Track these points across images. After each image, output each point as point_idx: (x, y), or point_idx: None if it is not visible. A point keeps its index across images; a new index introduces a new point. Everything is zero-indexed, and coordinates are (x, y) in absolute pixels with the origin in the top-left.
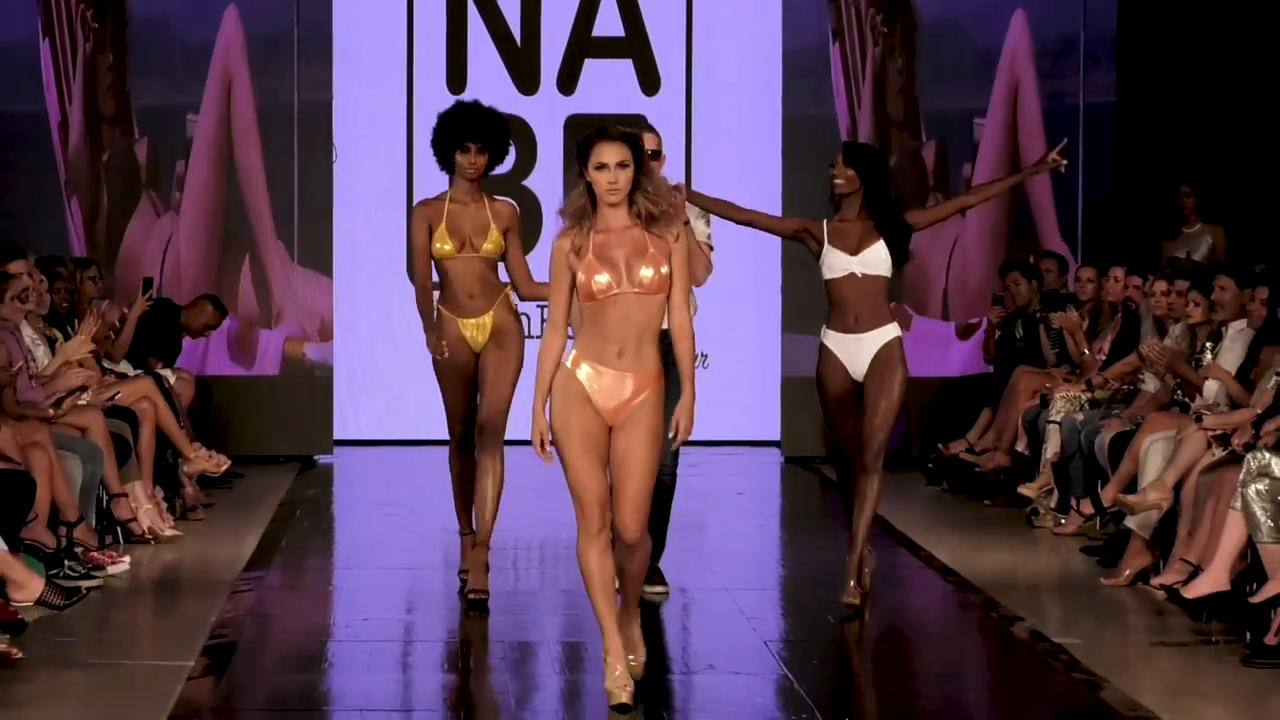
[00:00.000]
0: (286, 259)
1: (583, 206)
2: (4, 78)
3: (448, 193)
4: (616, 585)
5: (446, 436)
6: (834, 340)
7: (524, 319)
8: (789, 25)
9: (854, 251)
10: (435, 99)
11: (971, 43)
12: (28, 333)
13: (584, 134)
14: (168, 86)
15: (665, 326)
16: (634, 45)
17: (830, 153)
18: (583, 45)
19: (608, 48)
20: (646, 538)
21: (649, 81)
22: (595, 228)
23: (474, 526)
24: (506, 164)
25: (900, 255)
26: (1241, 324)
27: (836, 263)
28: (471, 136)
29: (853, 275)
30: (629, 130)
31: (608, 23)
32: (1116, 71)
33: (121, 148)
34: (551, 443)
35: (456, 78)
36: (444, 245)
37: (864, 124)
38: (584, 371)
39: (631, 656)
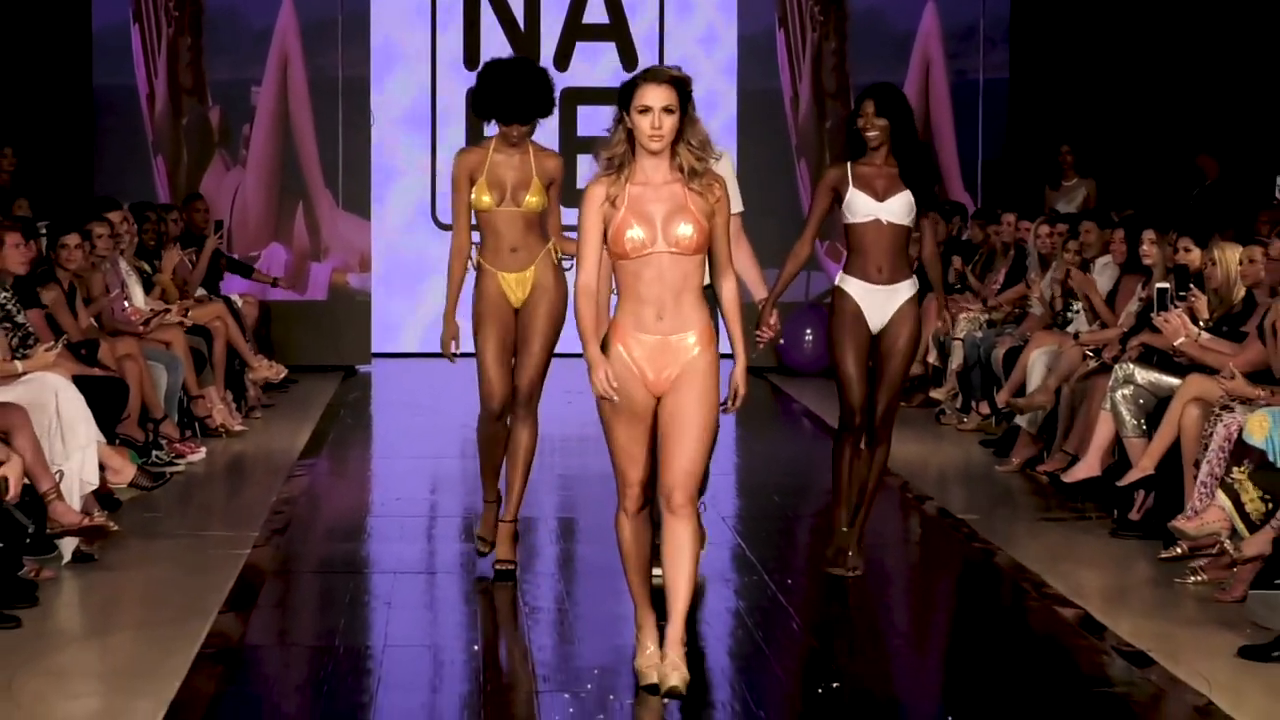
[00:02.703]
0: (333, 204)
1: (622, 154)
2: (101, 57)
3: (492, 140)
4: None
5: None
6: (855, 288)
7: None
8: (743, 14)
9: (880, 197)
10: (453, 74)
11: (891, 28)
12: (123, 265)
13: (577, 102)
14: (236, 63)
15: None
16: (616, 30)
17: (776, 122)
18: (574, 30)
19: (595, 32)
20: (694, 519)
21: (628, 60)
22: (633, 179)
23: (497, 495)
24: None
25: (928, 200)
26: (1107, 259)
27: (861, 206)
28: (509, 120)
29: (877, 221)
30: (679, 74)
31: (595, 12)
32: (1010, 52)
33: (198, 114)
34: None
35: (471, 57)
36: (483, 197)
37: (804, 95)
38: (627, 344)
39: (675, 671)
